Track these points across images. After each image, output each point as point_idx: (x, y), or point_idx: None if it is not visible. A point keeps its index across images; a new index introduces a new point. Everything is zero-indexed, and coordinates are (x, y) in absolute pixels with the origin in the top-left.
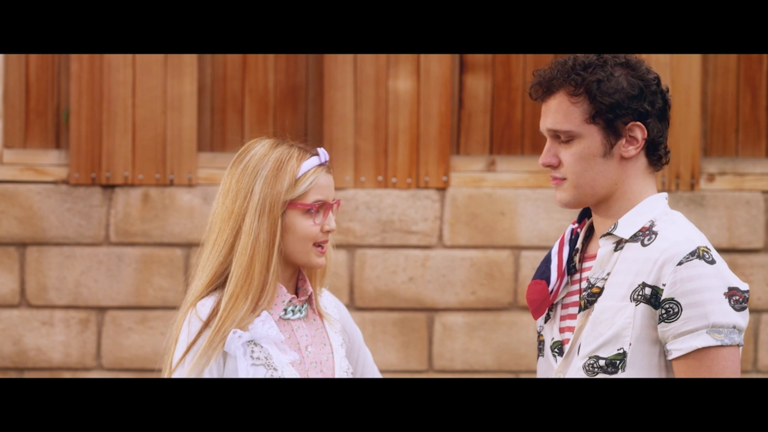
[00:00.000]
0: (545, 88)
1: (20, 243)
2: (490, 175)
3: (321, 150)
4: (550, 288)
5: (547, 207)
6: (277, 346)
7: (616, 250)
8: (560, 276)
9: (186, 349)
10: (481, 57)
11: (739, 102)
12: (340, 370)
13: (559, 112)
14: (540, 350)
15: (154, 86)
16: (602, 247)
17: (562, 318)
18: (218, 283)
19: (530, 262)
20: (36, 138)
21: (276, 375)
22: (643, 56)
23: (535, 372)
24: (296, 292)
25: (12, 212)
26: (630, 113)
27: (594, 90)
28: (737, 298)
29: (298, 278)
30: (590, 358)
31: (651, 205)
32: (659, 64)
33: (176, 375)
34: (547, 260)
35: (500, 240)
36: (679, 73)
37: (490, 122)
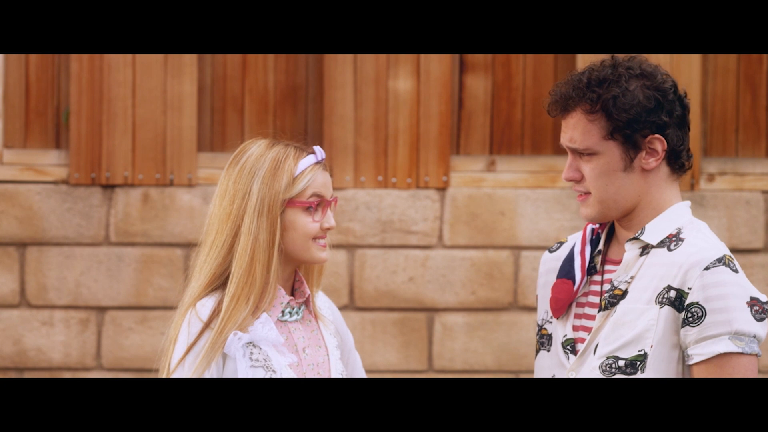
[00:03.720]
0: (562, 106)
1: (20, 243)
2: (490, 175)
3: (317, 148)
4: (575, 288)
5: (547, 207)
6: (275, 348)
7: (641, 255)
8: (583, 276)
9: (186, 349)
10: (481, 57)
11: (739, 102)
12: (336, 372)
13: (577, 130)
14: (542, 344)
15: (154, 86)
16: (628, 251)
17: (577, 316)
18: (217, 284)
19: (530, 262)
20: (36, 138)
21: (274, 377)
22: (643, 56)
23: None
24: (293, 294)
25: (12, 212)
26: (648, 126)
27: (610, 107)
28: (757, 309)
29: (295, 279)
30: (608, 358)
31: (678, 213)
32: (659, 64)
33: (176, 376)
34: (570, 259)
35: (500, 240)
36: (679, 73)
37: (490, 122)
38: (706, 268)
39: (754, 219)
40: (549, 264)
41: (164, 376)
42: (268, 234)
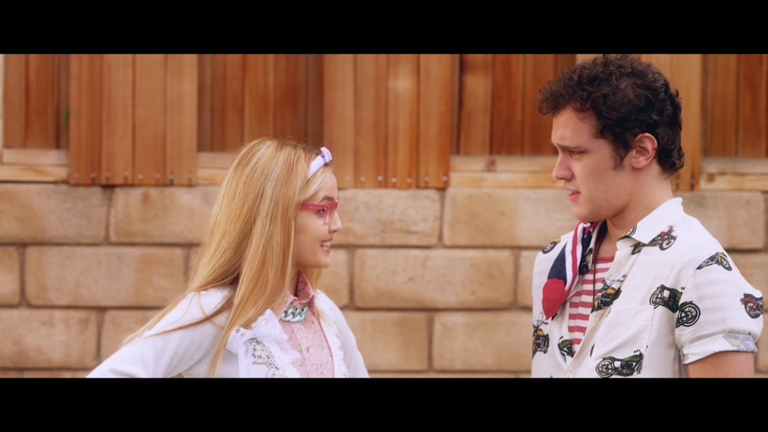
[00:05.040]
0: (553, 104)
1: (20, 243)
2: (490, 175)
3: (324, 150)
4: (566, 287)
5: (547, 207)
6: (279, 345)
7: (633, 253)
8: (575, 275)
9: (178, 327)
10: (481, 57)
11: (739, 102)
12: (339, 373)
13: (567, 128)
14: (539, 345)
15: (154, 86)
16: (620, 249)
17: (572, 317)
18: (223, 283)
19: (530, 262)
20: (36, 138)
21: (278, 374)
22: (643, 56)
23: None
24: (296, 294)
25: (12, 212)
26: (638, 125)
27: (600, 105)
28: (752, 305)
29: (299, 280)
30: (604, 359)
31: (669, 210)
32: (659, 64)
33: (155, 343)
34: (561, 259)
35: (500, 240)
36: (679, 73)
37: (490, 122)
38: (699, 267)
39: (754, 219)
40: (542, 265)
41: (139, 334)
42: (283, 237)
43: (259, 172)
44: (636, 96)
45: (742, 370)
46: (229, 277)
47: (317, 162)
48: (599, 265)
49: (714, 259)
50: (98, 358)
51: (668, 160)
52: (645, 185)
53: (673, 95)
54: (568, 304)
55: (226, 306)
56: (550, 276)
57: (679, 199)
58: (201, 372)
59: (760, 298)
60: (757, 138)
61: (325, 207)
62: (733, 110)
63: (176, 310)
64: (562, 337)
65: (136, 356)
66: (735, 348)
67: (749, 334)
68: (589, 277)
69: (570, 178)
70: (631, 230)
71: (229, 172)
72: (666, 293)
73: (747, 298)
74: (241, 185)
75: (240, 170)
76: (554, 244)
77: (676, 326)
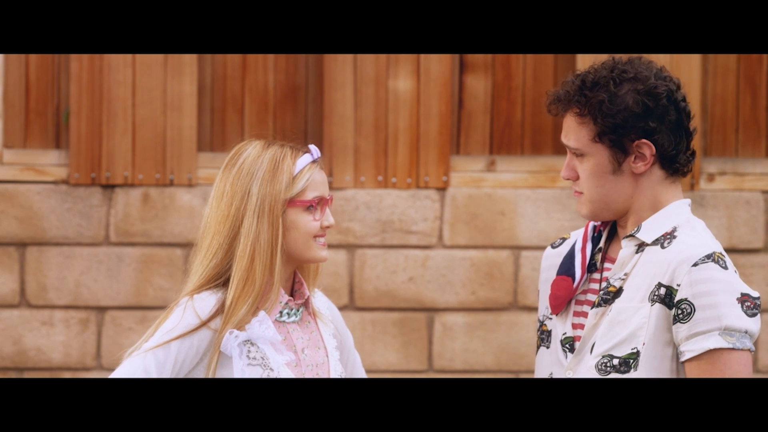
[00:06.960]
0: (556, 108)
1: (20, 243)
2: (490, 175)
3: (312, 147)
4: (574, 285)
5: (547, 207)
6: (273, 347)
7: (637, 252)
8: (583, 273)
9: (176, 336)
10: (481, 57)
11: (739, 102)
12: (335, 373)
13: (569, 130)
14: (542, 340)
15: (154, 86)
16: (624, 248)
17: (576, 314)
18: (216, 284)
19: (530, 262)
20: (36, 138)
21: (272, 375)
22: (647, 59)
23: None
24: (292, 295)
25: (12, 212)
26: (635, 131)
27: (596, 112)
28: (749, 304)
29: (294, 281)
30: (604, 357)
31: (675, 211)
32: (659, 64)
33: (155, 353)
34: (571, 256)
35: (500, 240)
36: (679, 73)
37: (490, 122)
38: (695, 265)
39: (754, 219)
40: (551, 260)
41: (138, 347)
42: (270, 235)
43: (245, 171)
44: (634, 102)
45: (738, 368)
46: (221, 278)
47: (304, 159)
48: (607, 265)
49: (710, 257)
50: (98, 358)
51: (672, 165)
52: (646, 189)
53: (678, 100)
54: (573, 302)
55: (220, 309)
56: (559, 273)
57: (687, 201)
58: (199, 375)
59: (758, 298)
60: (757, 138)
61: (314, 203)
62: (733, 110)
63: (172, 317)
64: (564, 333)
65: (140, 370)
66: (730, 345)
67: (746, 332)
68: (596, 276)
69: (575, 179)
70: (635, 230)
71: (219, 174)
72: (662, 290)
73: (744, 297)
74: (229, 185)
75: (228, 171)
76: (563, 239)
77: (673, 323)
